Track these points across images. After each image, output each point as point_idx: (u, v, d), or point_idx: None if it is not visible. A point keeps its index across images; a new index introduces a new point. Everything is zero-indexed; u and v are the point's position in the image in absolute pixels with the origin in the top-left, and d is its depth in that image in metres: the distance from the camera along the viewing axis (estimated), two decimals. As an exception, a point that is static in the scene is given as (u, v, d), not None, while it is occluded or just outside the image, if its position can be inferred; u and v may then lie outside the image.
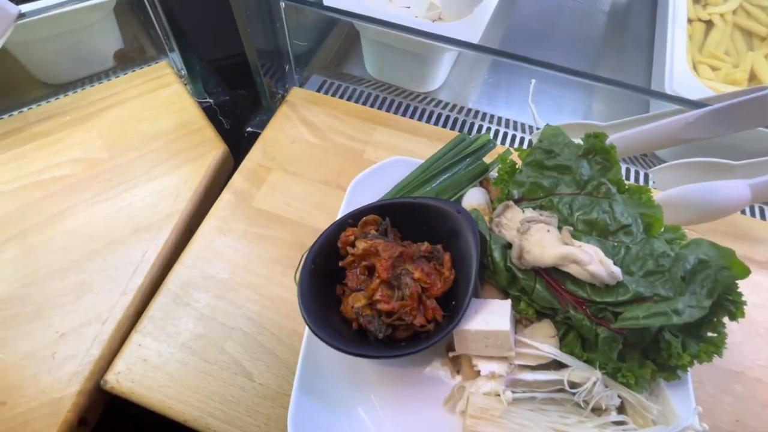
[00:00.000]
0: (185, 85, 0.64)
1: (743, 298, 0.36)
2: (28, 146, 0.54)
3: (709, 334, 0.37)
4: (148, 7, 0.59)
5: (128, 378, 0.41)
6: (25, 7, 0.55)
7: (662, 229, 0.40)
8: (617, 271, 0.36)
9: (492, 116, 0.71)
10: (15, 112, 0.59)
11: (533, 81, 0.63)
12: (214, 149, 0.56)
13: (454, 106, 0.72)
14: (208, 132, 0.57)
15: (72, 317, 0.44)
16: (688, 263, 0.36)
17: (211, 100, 0.65)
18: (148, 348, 0.43)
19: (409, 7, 0.70)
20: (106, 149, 0.55)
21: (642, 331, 0.36)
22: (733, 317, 0.36)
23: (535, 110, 0.61)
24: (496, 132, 0.68)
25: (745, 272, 0.34)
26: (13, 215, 0.49)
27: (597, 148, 0.42)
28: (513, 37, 0.89)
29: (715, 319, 0.36)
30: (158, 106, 0.59)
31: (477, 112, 0.72)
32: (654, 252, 0.37)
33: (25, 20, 0.54)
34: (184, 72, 0.65)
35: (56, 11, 0.56)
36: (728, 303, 0.36)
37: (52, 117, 0.57)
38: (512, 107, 0.75)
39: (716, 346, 0.36)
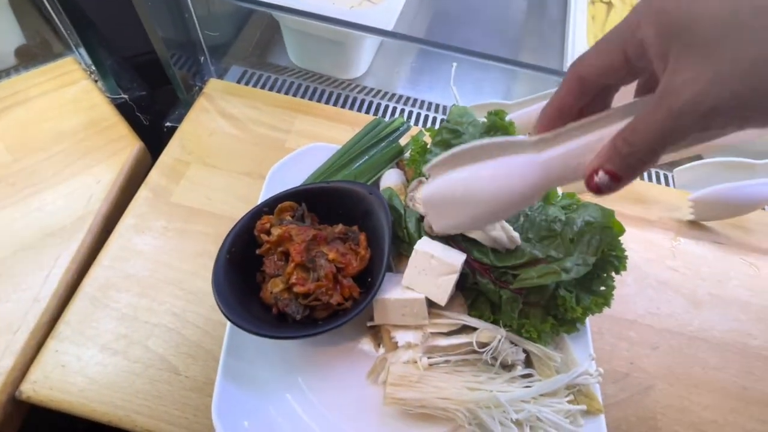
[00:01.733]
0: (95, 81, 0.61)
1: (626, 253, 0.40)
2: None
3: (601, 288, 0.41)
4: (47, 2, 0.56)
5: (46, 386, 0.40)
6: None
7: (559, 197, 0.44)
8: (516, 235, 0.39)
9: (415, 100, 0.73)
10: None
11: (455, 65, 0.65)
12: (129, 146, 0.54)
13: (378, 91, 0.73)
14: (122, 128, 0.56)
15: (-21, 330, 0.42)
16: (576, 225, 0.39)
17: (126, 96, 0.63)
18: (66, 353, 0.42)
19: (326, -6, 0.70)
20: (9, 152, 0.52)
21: (539, 289, 0.39)
22: (617, 271, 0.40)
23: (456, 93, 0.63)
24: (419, 115, 0.70)
25: (621, 230, 0.38)
26: None
27: (498, 125, 0.45)
28: (439, 22, 0.92)
29: (604, 275, 0.40)
30: (65, 105, 0.57)
31: (401, 96, 0.73)
32: (548, 218, 0.41)
33: None
34: (93, 68, 0.62)
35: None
36: (613, 258, 0.40)
37: (-57, 121, 0.53)
38: (435, 91, 0.77)
39: (605, 298, 0.40)
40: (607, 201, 0.50)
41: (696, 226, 0.56)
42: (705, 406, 0.44)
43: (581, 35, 0.66)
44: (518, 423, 0.37)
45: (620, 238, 0.39)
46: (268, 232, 0.40)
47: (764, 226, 0.57)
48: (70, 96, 0.57)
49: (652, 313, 0.49)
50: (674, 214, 0.56)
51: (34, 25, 0.68)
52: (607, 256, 0.40)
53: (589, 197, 0.33)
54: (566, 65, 0.64)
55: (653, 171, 0.63)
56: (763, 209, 0.57)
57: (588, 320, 0.43)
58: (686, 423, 0.43)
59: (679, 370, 0.46)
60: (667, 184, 0.62)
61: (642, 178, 0.62)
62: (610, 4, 0.79)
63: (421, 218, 0.43)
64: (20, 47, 0.67)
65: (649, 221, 0.55)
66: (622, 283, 0.50)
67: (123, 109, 0.60)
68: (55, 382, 0.40)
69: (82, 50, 0.62)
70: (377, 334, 0.43)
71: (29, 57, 0.66)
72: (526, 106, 0.53)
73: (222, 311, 0.36)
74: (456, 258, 0.38)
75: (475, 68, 0.82)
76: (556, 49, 0.86)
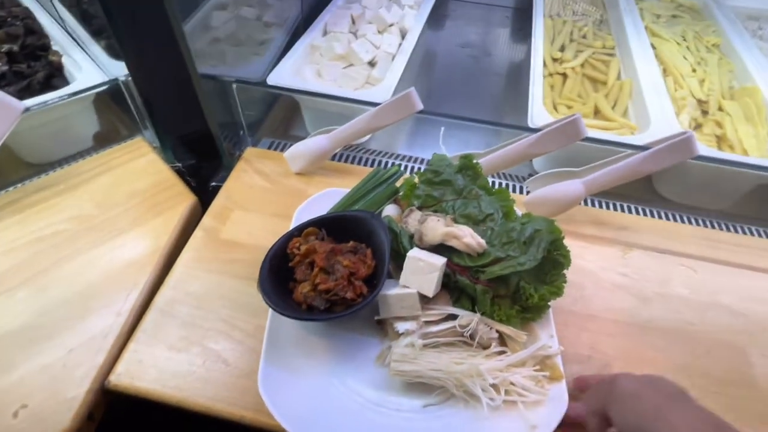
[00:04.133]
0: (158, 154, 0.79)
1: (569, 252, 0.52)
2: (30, 210, 0.66)
3: (554, 281, 0.52)
4: (128, 99, 0.75)
5: (127, 376, 0.52)
6: (27, 103, 0.69)
7: (518, 215, 0.57)
8: (482, 241, 0.52)
9: (411, 157, 0.89)
10: (10, 189, 0.71)
11: (442, 129, 0.82)
12: (186, 200, 0.70)
13: (381, 152, 0.90)
14: (180, 187, 0.72)
15: (79, 336, 0.54)
16: (527, 233, 0.52)
17: (180, 164, 0.80)
18: (142, 352, 0.54)
19: (335, 80, 0.89)
20: (96, 207, 0.68)
21: (504, 282, 0.51)
22: (563, 267, 0.52)
23: (445, 150, 0.79)
24: (413, 168, 0.86)
25: (560, 233, 0.51)
26: (23, 264, 0.60)
27: (468, 166, 0.60)
28: (429, 97, 1.11)
29: (554, 270, 0.52)
30: (137, 172, 0.73)
31: (399, 155, 0.90)
32: (508, 229, 0.54)
33: (29, 113, 0.68)
34: (156, 144, 0.80)
35: (55, 103, 0.71)
36: (560, 256, 0.52)
37: (47, 187, 0.70)
38: (427, 150, 0.94)
39: (557, 288, 0.52)
40: (571, 224, 0.64)
41: (641, 242, 0.68)
42: (655, 379, 0.53)
43: (539, 99, 0.83)
44: (495, 387, 0.48)
45: (566, 242, 0.52)
46: (298, 249, 0.54)
47: (699, 239, 0.69)
48: (141, 165, 0.74)
49: (608, 309, 0.60)
50: (623, 233, 0.69)
51: (108, 115, 0.87)
52: (554, 255, 0.52)
53: (561, 221, 0.49)
54: (529, 123, 0.80)
55: (591, 200, 0.76)
56: (580, 204, 0.68)
57: (552, 312, 0.54)
58: (639, 393, 0.52)
59: (633, 352, 0.56)
60: (520, 191, 0.75)
61: (594, 205, 0.75)
62: (565, 75, 0.98)
63: (411, 236, 0.56)
64: (96, 133, 0.87)
65: (603, 239, 0.68)
66: (582, 287, 0.62)
67: (178, 173, 0.77)
68: (133, 374, 0.52)
69: (149, 132, 0.81)
70: (382, 327, 0.54)
71: (102, 140, 0.85)
72: (491, 154, 0.68)
73: (266, 301, 0.49)
74: (437, 259, 0.51)
75: (460, 130, 0.99)
76: (523, 111, 1.04)
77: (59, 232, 0.64)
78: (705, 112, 0.89)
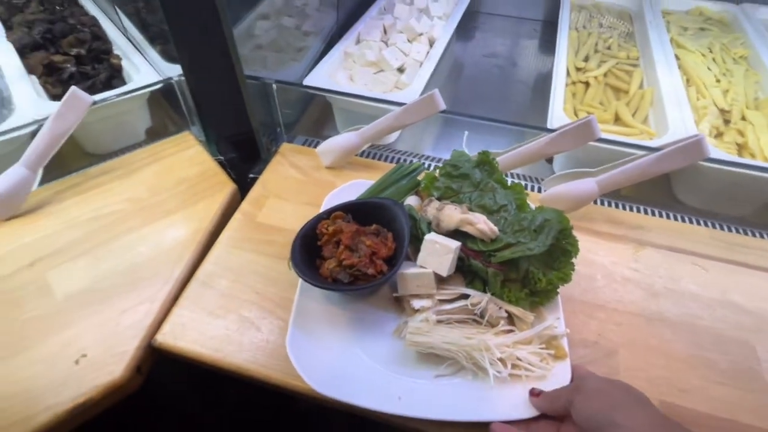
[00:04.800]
0: (204, 147, 0.86)
1: (577, 241, 0.55)
2: (90, 192, 0.75)
3: (562, 267, 0.56)
4: (180, 97, 0.84)
5: (171, 336, 0.58)
6: (95, 97, 0.79)
7: (531, 208, 0.61)
8: (495, 228, 0.56)
9: (435, 157, 0.94)
10: (73, 174, 0.80)
11: (466, 132, 0.87)
12: (227, 187, 0.77)
13: (407, 152, 0.95)
14: (222, 177, 0.79)
15: (130, 300, 0.61)
16: (538, 221, 0.56)
17: (222, 157, 0.88)
18: (184, 317, 0.60)
19: (366, 84, 0.96)
20: (147, 191, 0.75)
21: (515, 266, 0.55)
22: (571, 255, 0.55)
23: (467, 151, 0.84)
24: (436, 167, 0.90)
25: (567, 222, 0.54)
26: (82, 237, 0.68)
27: (484, 161, 0.64)
28: (454, 102, 1.16)
29: (562, 257, 0.56)
30: (184, 161, 0.81)
31: (425, 155, 0.95)
32: (520, 219, 0.58)
33: (94, 107, 0.77)
34: (202, 138, 0.88)
35: (114, 100, 0.80)
36: (567, 244, 0.55)
37: (106, 173, 0.78)
38: (451, 151, 0.99)
39: (565, 274, 0.55)
40: (585, 221, 0.67)
41: (654, 241, 0.70)
42: (659, 366, 0.56)
43: (559, 103, 0.86)
44: (502, 360, 0.51)
45: (579, 237, 0.55)
46: (327, 229, 0.59)
47: (714, 241, 0.70)
48: (187, 156, 0.82)
49: (617, 300, 0.62)
50: (637, 231, 0.71)
51: (159, 112, 0.96)
52: (563, 243, 0.56)
53: (575, 218, 0.52)
54: (548, 125, 0.84)
55: (603, 199, 0.79)
56: (595, 203, 0.72)
57: (560, 299, 0.57)
58: (644, 378, 0.55)
59: (639, 340, 0.58)
60: (538, 191, 0.78)
61: (611, 205, 0.77)
62: (587, 84, 1.01)
63: (430, 223, 0.61)
64: (149, 128, 0.96)
65: (616, 236, 0.70)
66: (592, 279, 0.65)
67: (220, 165, 0.84)
68: (177, 335, 0.58)
69: (196, 127, 0.89)
70: (400, 303, 0.59)
71: (153, 135, 0.94)
72: (509, 152, 0.72)
73: (296, 272, 0.54)
74: (452, 242, 0.55)
75: (483, 134, 1.03)
76: (546, 117, 1.07)
77: (115, 211, 0.72)
78: (727, 122, 0.90)
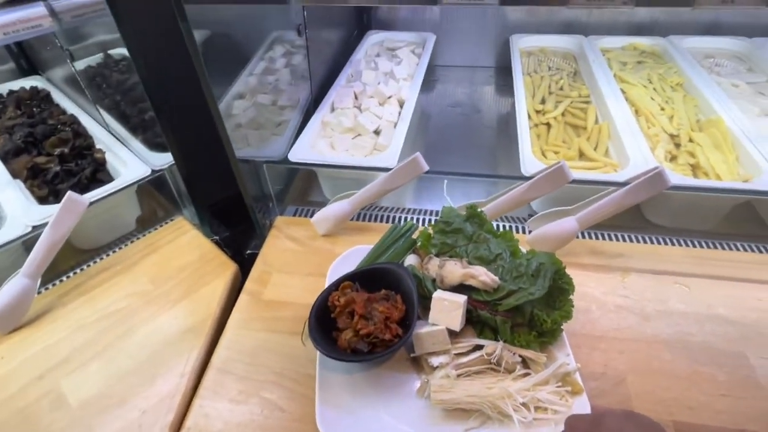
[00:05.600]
0: (198, 230, 0.88)
1: (572, 280, 0.60)
2: (94, 291, 0.75)
3: (563, 306, 0.60)
4: (171, 184, 0.86)
5: (196, 430, 0.58)
6: (89, 197, 0.80)
7: (523, 253, 0.66)
8: (496, 278, 0.60)
9: (420, 209, 0.99)
10: (78, 270, 0.81)
11: (446, 181, 0.92)
12: (228, 269, 0.79)
13: (393, 208, 1.00)
14: (222, 258, 0.81)
15: (149, 399, 0.61)
16: (533, 266, 0.60)
17: (217, 237, 0.90)
18: (206, 407, 0.60)
19: (347, 150, 1.01)
20: (151, 283, 0.76)
21: (520, 311, 0.59)
22: (569, 293, 0.60)
23: (449, 200, 0.89)
24: (424, 220, 0.95)
25: (560, 263, 0.59)
26: (92, 339, 0.68)
27: (473, 214, 0.69)
28: (431, 152, 1.23)
29: (561, 297, 0.60)
30: (182, 248, 0.83)
31: (410, 209, 0.99)
32: (516, 265, 0.62)
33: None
34: (196, 221, 0.90)
35: (110, 198, 0.82)
36: (563, 283, 0.60)
37: (107, 269, 0.79)
38: (434, 202, 1.04)
39: (566, 311, 0.59)
40: (571, 256, 0.72)
41: (637, 266, 0.75)
42: (665, 388, 0.59)
43: (527, 149, 0.94)
44: (525, 405, 0.54)
45: (569, 272, 0.60)
46: (339, 301, 0.62)
47: (689, 259, 0.76)
48: (185, 242, 0.84)
49: (614, 329, 0.66)
50: (619, 259, 0.77)
51: (149, 201, 0.98)
52: (559, 283, 0.60)
53: (562, 254, 0.57)
54: (522, 171, 0.90)
55: (587, 232, 0.85)
56: (577, 238, 0.76)
57: (566, 336, 0.61)
58: (654, 401, 0.58)
59: (642, 365, 0.62)
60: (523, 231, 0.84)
61: (590, 237, 0.83)
62: (548, 125, 1.09)
63: (433, 280, 0.64)
64: (139, 217, 0.97)
65: (602, 266, 0.76)
66: (588, 311, 0.69)
67: (216, 245, 0.86)
68: (201, 427, 0.58)
69: (186, 210, 0.91)
70: (418, 363, 0.61)
71: (143, 222, 0.95)
72: (492, 202, 0.78)
73: (318, 349, 0.56)
74: (459, 297, 0.59)
75: (461, 182, 1.09)
76: (515, 158, 1.15)
77: (121, 308, 0.72)
78: (678, 145, 0.99)
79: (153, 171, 0.90)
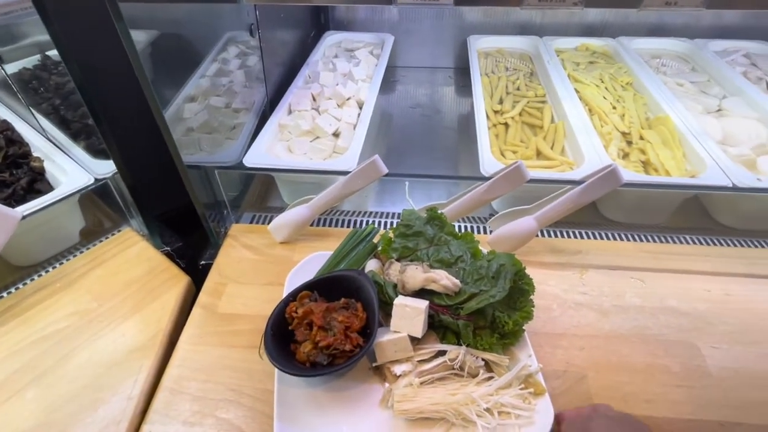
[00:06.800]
0: (147, 240, 0.83)
1: (532, 280, 0.60)
2: (30, 312, 0.69)
3: (523, 306, 0.60)
4: (115, 193, 0.81)
5: (146, 458, 0.54)
6: (22, 209, 0.74)
7: (484, 254, 0.65)
8: (457, 281, 0.59)
9: (382, 212, 0.97)
10: (4, 294, 0.74)
11: (407, 183, 0.91)
12: (180, 281, 0.75)
13: (354, 211, 0.98)
14: (173, 270, 0.76)
15: (92, 427, 0.57)
16: (494, 268, 0.60)
17: (168, 248, 0.85)
18: (157, 431, 0.57)
19: (305, 153, 0.98)
20: (95, 300, 0.71)
21: (480, 312, 0.58)
22: (529, 293, 0.60)
23: (411, 202, 0.88)
24: (386, 223, 0.94)
25: (520, 265, 0.59)
26: (27, 365, 0.62)
27: (434, 216, 0.68)
28: (391, 154, 1.22)
29: (521, 297, 0.60)
30: (130, 260, 0.78)
31: (371, 212, 0.98)
32: (477, 267, 0.61)
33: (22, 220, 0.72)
34: (144, 231, 0.85)
35: (48, 209, 0.76)
36: (524, 284, 0.60)
37: (45, 287, 0.73)
38: (396, 204, 1.03)
39: (527, 312, 0.59)
40: (531, 255, 0.72)
41: (594, 262, 0.77)
42: (625, 382, 0.60)
43: (486, 149, 0.94)
44: (489, 410, 0.53)
45: (529, 271, 0.60)
46: (296, 312, 0.59)
47: (643, 253, 0.79)
48: (133, 254, 0.79)
49: (574, 326, 0.67)
50: (577, 256, 0.78)
51: (93, 211, 0.92)
52: (520, 285, 0.60)
53: (522, 253, 0.56)
54: (481, 171, 0.91)
55: (547, 230, 0.86)
56: (537, 236, 0.76)
57: (527, 336, 0.61)
58: (615, 397, 0.59)
59: (602, 361, 0.63)
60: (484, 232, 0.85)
61: (549, 235, 0.84)
62: (506, 124, 1.10)
63: (395, 286, 0.63)
64: (83, 229, 0.91)
65: (561, 264, 0.77)
66: (549, 309, 0.69)
67: (167, 257, 0.82)
68: (152, 455, 0.55)
69: (134, 220, 0.86)
70: (381, 372, 0.59)
71: (89, 235, 0.89)
72: (453, 203, 0.77)
73: (274, 365, 0.53)
74: (421, 303, 0.58)
75: (422, 184, 1.09)
76: (475, 157, 1.16)
77: (60, 329, 0.67)
78: (629, 143, 1.02)
79: (96, 179, 0.84)
